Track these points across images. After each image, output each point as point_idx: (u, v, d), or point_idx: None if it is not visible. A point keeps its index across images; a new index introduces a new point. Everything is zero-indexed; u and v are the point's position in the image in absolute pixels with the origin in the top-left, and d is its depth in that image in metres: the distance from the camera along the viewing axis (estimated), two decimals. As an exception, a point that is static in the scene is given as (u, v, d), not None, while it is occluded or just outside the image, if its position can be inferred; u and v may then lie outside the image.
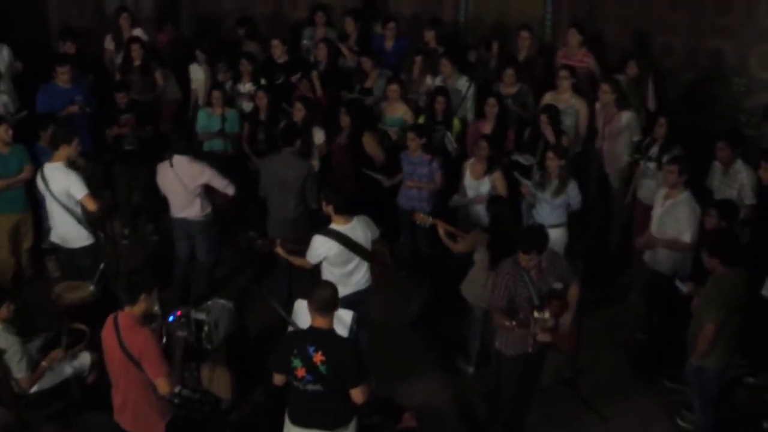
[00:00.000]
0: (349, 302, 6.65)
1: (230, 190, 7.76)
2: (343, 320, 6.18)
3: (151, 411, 5.55)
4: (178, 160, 7.63)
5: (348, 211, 6.68)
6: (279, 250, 7.04)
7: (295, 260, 7.00)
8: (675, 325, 7.01)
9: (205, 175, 7.65)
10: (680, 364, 6.76)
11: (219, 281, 8.55)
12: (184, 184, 7.64)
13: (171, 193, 7.80)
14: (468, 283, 7.24)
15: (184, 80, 10.38)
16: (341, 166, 8.88)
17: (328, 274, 6.71)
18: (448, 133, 8.86)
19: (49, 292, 7.32)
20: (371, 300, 7.13)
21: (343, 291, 6.60)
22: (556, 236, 7.90)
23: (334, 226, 6.67)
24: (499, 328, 6.19)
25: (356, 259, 6.74)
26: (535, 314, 5.96)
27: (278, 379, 5.49)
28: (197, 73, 10.25)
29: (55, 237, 7.65)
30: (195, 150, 7.99)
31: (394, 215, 8.65)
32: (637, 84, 8.96)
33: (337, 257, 6.65)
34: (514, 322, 5.95)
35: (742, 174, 7.57)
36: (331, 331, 5.37)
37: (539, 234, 6.18)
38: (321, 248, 6.64)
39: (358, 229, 6.71)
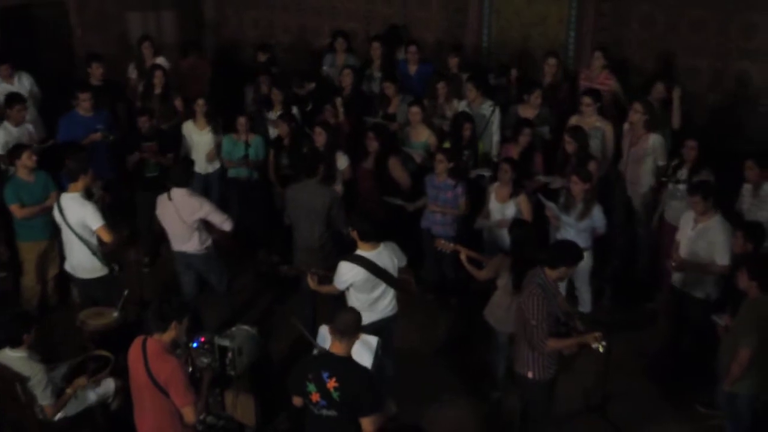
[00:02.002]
0: (375, 329, 6.60)
1: (227, 225, 7.66)
2: (369, 346, 6.13)
3: (175, 438, 5.50)
4: (177, 193, 7.59)
5: (374, 237, 6.63)
6: (310, 282, 6.98)
7: (324, 288, 6.96)
8: (706, 350, 6.89)
9: (204, 209, 7.59)
10: (712, 389, 6.67)
11: (242, 307, 8.51)
12: (182, 217, 7.59)
13: (169, 226, 7.76)
14: (491, 307, 7.18)
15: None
16: (368, 191, 8.81)
17: (354, 300, 6.67)
18: (486, 176, 8.81)
19: (73, 318, 7.31)
20: (398, 326, 7.06)
21: (369, 317, 6.57)
22: (583, 260, 7.85)
23: (360, 252, 6.63)
24: (551, 355, 6.06)
25: (382, 286, 6.68)
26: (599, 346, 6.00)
27: (297, 400, 5.49)
28: None
29: (68, 266, 7.67)
30: (192, 183, 7.88)
31: (418, 239, 8.58)
32: (663, 106, 8.89)
33: (363, 283, 6.60)
34: (597, 334, 5.97)
35: (774, 196, 7.48)
36: (348, 358, 5.33)
37: (573, 247, 6.21)
38: (347, 274, 6.59)
39: (385, 255, 6.66)
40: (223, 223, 7.64)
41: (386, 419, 5.56)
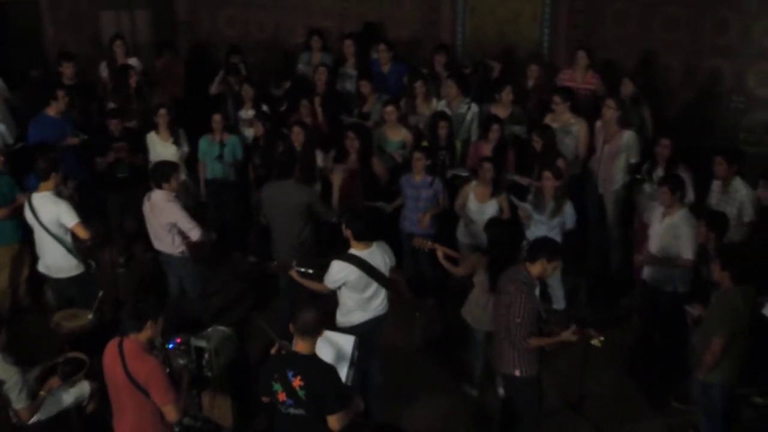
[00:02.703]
0: (369, 327, 6.65)
1: (194, 234, 7.54)
2: (344, 346, 6.13)
3: (155, 439, 5.48)
4: (156, 193, 7.57)
5: (367, 236, 6.62)
6: (293, 274, 6.98)
7: (311, 285, 6.92)
8: (679, 345, 6.95)
9: (173, 214, 7.50)
10: (686, 385, 6.73)
11: (218, 308, 8.48)
12: (156, 217, 7.58)
13: (147, 224, 7.76)
14: (469, 305, 7.20)
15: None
16: (349, 190, 8.74)
17: (347, 299, 6.66)
18: (463, 176, 8.77)
19: (48, 320, 7.25)
20: (386, 325, 7.04)
21: (362, 316, 6.64)
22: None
23: (353, 251, 6.60)
24: (532, 352, 6.10)
25: (375, 285, 6.66)
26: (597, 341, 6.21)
27: (266, 399, 5.50)
28: None
29: (42, 267, 7.61)
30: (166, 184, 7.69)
31: (397, 239, 8.57)
32: (634, 102, 8.94)
33: (356, 282, 6.57)
34: (592, 332, 6.16)
35: (742, 192, 7.56)
36: (312, 356, 5.36)
37: (551, 242, 6.33)
38: (340, 273, 6.56)
39: (377, 254, 6.64)
40: (191, 231, 7.53)
41: (355, 416, 5.56)
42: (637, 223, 8.29)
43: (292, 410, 5.30)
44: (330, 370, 5.38)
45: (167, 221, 7.52)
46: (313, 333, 5.32)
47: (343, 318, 6.71)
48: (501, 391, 7.13)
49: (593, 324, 6.46)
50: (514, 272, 6.13)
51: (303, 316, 5.33)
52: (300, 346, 5.33)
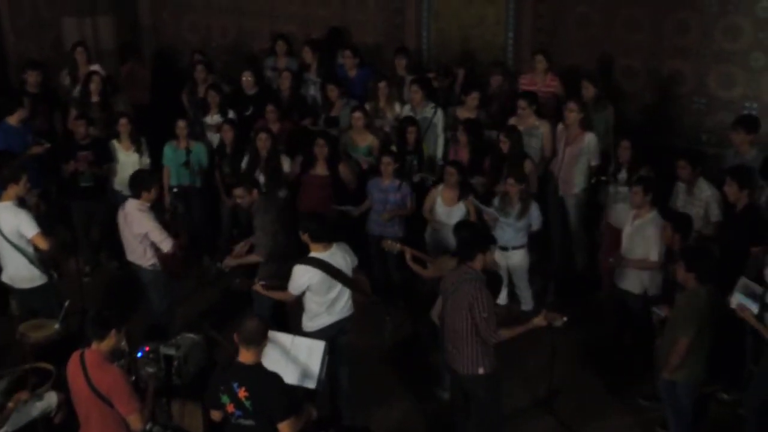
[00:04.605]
0: (335, 331, 6.67)
1: (165, 246, 7.46)
2: (314, 351, 6.15)
3: (122, 449, 5.43)
4: (129, 203, 7.51)
5: (326, 237, 6.62)
6: (258, 288, 6.97)
7: (276, 295, 6.93)
8: (648, 344, 7.03)
9: (144, 226, 7.43)
10: (653, 382, 6.81)
11: (187, 315, 8.41)
12: (128, 227, 7.51)
13: (121, 234, 7.68)
14: (438, 307, 7.19)
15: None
16: (317, 196, 8.72)
17: (311, 303, 6.65)
18: (430, 179, 8.79)
19: (13, 331, 7.16)
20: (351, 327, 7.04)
21: (328, 320, 6.66)
22: (520, 257, 8.06)
23: (313, 253, 6.60)
24: (492, 348, 6.17)
25: (338, 287, 6.66)
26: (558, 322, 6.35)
27: (215, 414, 5.48)
28: None
29: (5, 278, 7.51)
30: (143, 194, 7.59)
31: (365, 243, 8.58)
32: (596, 104, 9.00)
33: (319, 285, 6.56)
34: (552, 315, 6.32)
35: (707, 192, 7.64)
36: (256, 366, 5.31)
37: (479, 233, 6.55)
38: (303, 278, 6.54)
39: (338, 255, 6.65)
40: (162, 242, 7.46)
41: (309, 422, 5.55)
42: (605, 225, 8.35)
43: (242, 421, 5.27)
44: (274, 378, 5.34)
45: (138, 231, 7.45)
46: (257, 342, 5.27)
47: (309, 323, 6.70)
48: (445, 395, 7.21)
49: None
50: (461, 273, 6.23)
51: (246, 326, 5.29)
52: (244, 355, 5.28)
